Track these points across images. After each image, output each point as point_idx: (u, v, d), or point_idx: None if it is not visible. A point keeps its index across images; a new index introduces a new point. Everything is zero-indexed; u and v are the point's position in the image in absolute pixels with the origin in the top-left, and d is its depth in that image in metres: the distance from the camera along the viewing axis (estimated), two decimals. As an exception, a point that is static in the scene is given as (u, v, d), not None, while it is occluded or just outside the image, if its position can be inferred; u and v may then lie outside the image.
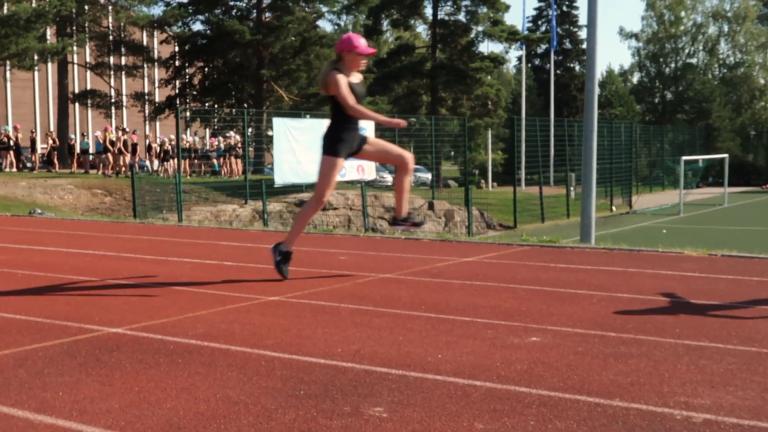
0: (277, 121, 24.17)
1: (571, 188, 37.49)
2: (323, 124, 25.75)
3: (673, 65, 79.24)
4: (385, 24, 47.82)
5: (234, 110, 39.46)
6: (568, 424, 3.18)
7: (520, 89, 61.38)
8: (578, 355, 4.24)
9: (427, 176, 43.09)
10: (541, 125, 43.46)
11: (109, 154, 31.42)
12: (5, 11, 29.29)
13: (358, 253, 8.70)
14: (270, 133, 27.36)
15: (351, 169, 25.81)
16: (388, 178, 36.16)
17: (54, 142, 34.36)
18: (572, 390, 3.62)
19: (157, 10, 42.43)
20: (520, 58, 69.05)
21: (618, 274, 7.07)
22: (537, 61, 74.62)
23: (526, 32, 51.25)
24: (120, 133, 31.82)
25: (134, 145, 32.21)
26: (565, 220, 33.90)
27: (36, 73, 41.69)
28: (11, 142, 31.46)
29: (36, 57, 30.84)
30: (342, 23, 55.39)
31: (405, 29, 49.12)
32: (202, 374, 3.90)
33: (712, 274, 6.98)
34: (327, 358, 4.19)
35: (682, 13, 78.75)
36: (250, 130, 28.68)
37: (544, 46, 62.36)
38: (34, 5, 30.67)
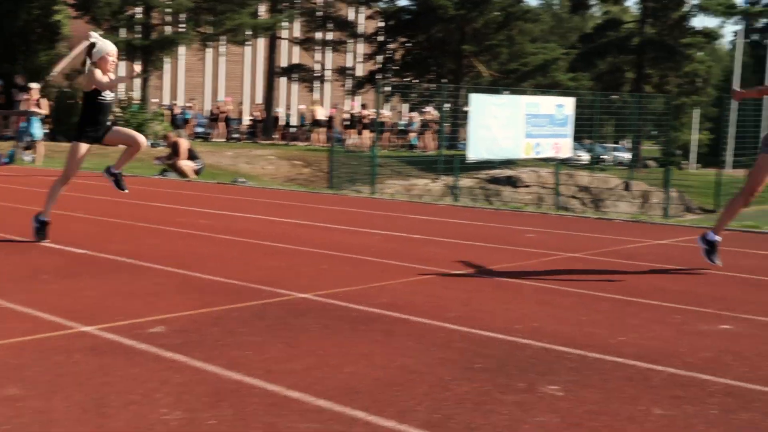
0: (474, 97, 24.12)
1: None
2: (522, 101, 25.42)
3: None
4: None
5: (433, 85, 39.74)
6: (753, 416, 3.04)
7: (733, 66, 57.96)
8: (772, 347, 4.03)
9: (626, 156, 41.71)
10: (755, 104, 40.88)
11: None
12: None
13: (547, 231, 8.60)
14: (466, 108, 27.31)
15: (547, 146, 25.37)
16: (585, 157, 35.28)
17: (260, 114, 35.92)
18: (762, 381, 3.44)
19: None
20: (736, 33, 64.65)
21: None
22: (755, 36, 70.10)
23: (746, 5, 48.38)
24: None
25: (331, 119, 33.14)
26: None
27: (248, 48, 43.45)
28: (222, 114, 33.18)
29: (249, 32, 32.13)
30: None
31: (615, 3, 47.38)
32: (381, 342, 3.99)
33: None
34: (506, 333, 4.19)
35: None
36: (447, 105, 28.78)
37: (764, 21, 58.55)
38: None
